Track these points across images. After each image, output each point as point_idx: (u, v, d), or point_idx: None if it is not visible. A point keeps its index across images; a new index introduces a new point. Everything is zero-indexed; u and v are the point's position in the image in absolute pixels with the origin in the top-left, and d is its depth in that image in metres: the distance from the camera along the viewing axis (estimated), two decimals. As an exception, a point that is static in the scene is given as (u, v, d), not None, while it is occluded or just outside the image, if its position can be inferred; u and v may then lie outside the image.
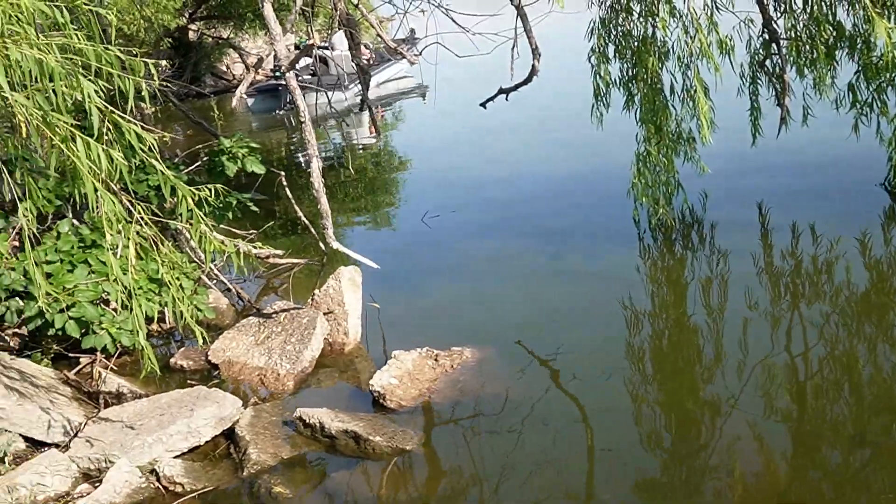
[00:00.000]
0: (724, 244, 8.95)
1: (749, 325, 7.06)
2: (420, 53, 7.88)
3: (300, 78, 10.04)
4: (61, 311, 6.94)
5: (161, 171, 4.99)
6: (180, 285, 7.12)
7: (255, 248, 7.03)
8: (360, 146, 17.60)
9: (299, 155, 17.34)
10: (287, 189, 9.72)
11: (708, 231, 9.38)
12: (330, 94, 12.70)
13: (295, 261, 9.85)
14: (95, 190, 4.82)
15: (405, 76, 24.72)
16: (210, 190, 5.30)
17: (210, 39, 27.70)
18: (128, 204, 5.27)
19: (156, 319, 7.31)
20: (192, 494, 5.63)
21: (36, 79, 4.62)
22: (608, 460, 5.56)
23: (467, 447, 5.79)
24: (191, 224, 5.33)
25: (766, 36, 8.83)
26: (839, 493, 4.96)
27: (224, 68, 30.20)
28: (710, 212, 9.72)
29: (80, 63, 4.82)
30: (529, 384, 6.55)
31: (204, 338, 5.79)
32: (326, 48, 19.48)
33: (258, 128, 20.74)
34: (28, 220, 5.48)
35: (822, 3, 8.15)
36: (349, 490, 5.54)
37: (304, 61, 18.62)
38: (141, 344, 5.83)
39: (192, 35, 27.20)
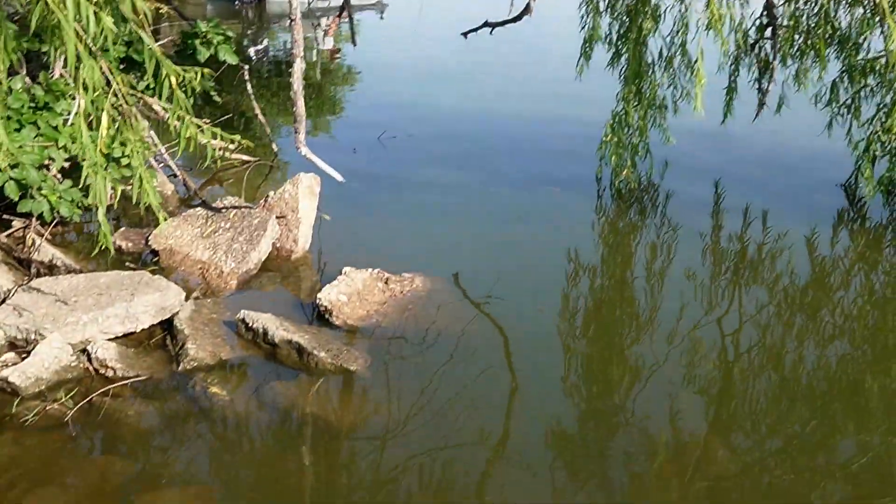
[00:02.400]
0: (676, 216, 8.93)
1: (685, 298, 7.05)
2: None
3: None
4: (2, 170, 6.61)
5: (149, 46, 4.70)
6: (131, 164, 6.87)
7: (224, 140, 6.70)
8: (315, 53, 17.16)
9: (251, 50, 16.86)
10: (249, 84, 9.41)
11: (663, 200, 9.36)
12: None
13: (246, 158, 9.62)
14: (77, 54, 4.51)
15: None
16: (196, 73, 5.02)
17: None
18: (107, 72, 4.96)
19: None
20: (125, 381, 5.44)
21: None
22: (528, 403, 5.57)
23: (410, 375, 5.70)
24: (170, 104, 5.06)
25: (765, 19, 8.76)
26: (740, 470, 5.01)
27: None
28: (668, 182, 9.72)
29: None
30: (472, 320, 6.48)
31: (165, 218, 5.56)
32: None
33: (212, 16, 20.04)
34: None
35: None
36: (286, 401, 5.41)
37: None
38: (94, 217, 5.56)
39: None
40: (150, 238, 7.22)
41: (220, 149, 8.93)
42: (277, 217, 7.37)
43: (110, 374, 5.52)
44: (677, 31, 8.44)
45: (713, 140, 10.62)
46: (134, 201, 5.76)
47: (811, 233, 8.50)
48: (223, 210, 7.48)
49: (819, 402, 5.71)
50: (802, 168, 10.35)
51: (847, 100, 8.93)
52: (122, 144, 6.51)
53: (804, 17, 8.58)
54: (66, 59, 4.62)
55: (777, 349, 6.37)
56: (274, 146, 10.15)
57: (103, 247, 5.39)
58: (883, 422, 5.48)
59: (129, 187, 7.04)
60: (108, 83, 4.93)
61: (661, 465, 4.96)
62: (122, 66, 7.31)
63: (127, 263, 6.99)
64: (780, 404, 5.65)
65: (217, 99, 8.52)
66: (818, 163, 10.25)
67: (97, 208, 5.28)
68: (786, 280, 7.53)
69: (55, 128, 6.92)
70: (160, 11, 9.08)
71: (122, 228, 7.54)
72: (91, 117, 5.90)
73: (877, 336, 6.67)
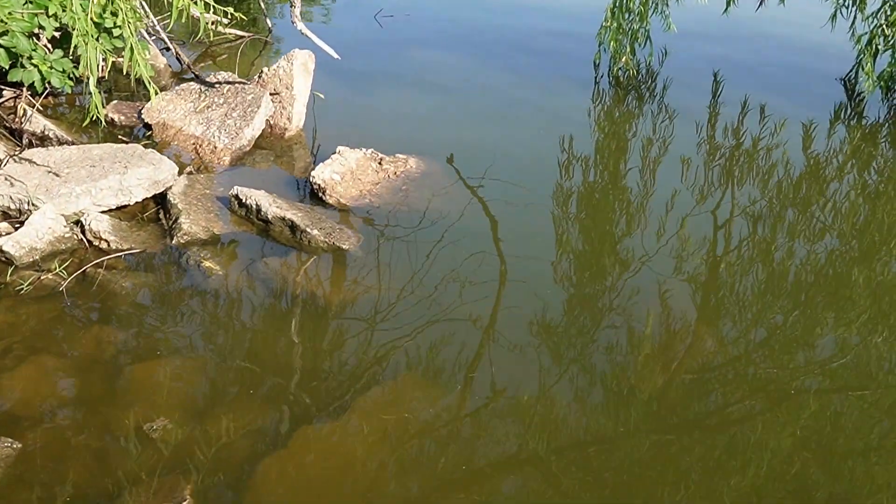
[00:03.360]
0: (674, 106, 8.87)
1: (678, 189, 7.04)
2: None
3: None
4: (-9, 36, 6.51)
5: None
6: (122, 34, 6.76)
7: (217, 13, 6.56)
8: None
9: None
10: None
11: (660, 89, 9.28)
12: None
13: (240, 33, 9.48)
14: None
15: None
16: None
17: None
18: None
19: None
20: (119, 254, 5.47)
21: None
22: (517, 290, 5.55)
23: (401, 256, 5.73)
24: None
25: None
26: (725, 360, 5.10)
27: None
28: (667, 70, 9.62)
29: None
30: (464, 203, 6.49)
31: (156, 92, 5.49)
32: None
33: None
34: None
35: None
36: (279, 277, 5.46)
37: None
38: (86, 89, 5.51)
39: None
40: (142, 112, 7.14)
41: (212, 22, 8.78)
42: (271, 94, 7.30)
43: (104, 246, 5.54)
44: None
45: (714, 29, 10.45)
46: (125, 72, 5.68)
47: (808, 126, 8.46)
48: (217, 85, 7.39)
49: (805, 296, 5.76)
50: (803, 60, 10.25)
51: (853, -10, 8.80)
52: (114, 14, 6.38)
53: None
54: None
55: (767, 242, 6.40)
56: (268, 21, 10.00)
57: (94, 117, 5.34)
58: (865, 317, 5.55)
59: (121, 59, 6.97)
60: (100, -51, 4.81)
61: (647, 352, 5.03)
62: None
63: (120, 137, 6.94)
64: (767, 297, 5.70)
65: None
66: (819, 56, 10.13)
67: (88, 79, 5.21)
68: (780, 173, 7.52)
69: (45, -5, 6.78)
70: None
71: (115, 101, 7.45)
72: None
73: (865, 231, 6.70)
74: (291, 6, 6.77)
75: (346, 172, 6.45)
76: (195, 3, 5.50)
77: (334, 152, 6.64)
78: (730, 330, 5.34)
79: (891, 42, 8.54)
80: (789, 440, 4.43)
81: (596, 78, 9.36)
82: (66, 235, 5.52)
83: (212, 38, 9.01)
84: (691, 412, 4.66)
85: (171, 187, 6.12)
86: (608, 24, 8.76)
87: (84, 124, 6.75)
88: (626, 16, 8.75)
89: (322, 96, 7.76)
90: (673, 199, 6.86)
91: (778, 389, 4.81)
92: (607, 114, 8.86)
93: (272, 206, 5.85)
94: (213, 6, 6.05)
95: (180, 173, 6.35)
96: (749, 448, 4.36)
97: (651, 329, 5.24)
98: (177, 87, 7.44)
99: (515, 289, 5.58)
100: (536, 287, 5.59)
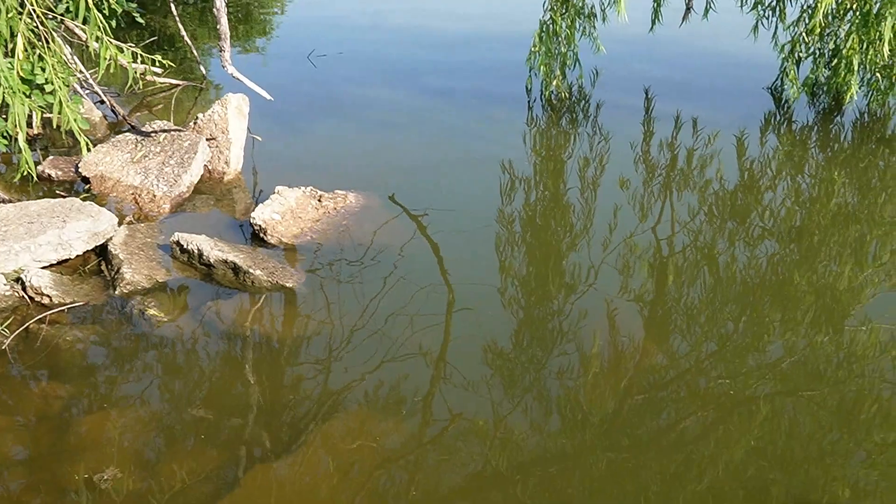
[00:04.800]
0: (608, 125, 9.03)
1: (619, 207, 7.15)
2: None
3: None
4: (-80, 99, 6.45)
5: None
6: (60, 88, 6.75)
7: (145, 62, 6.59)
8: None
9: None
10: (173, 5, 9.23)
11: (594, 110, 9.45)
12: None
13: (173, 81, 9.49)
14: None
15: None
16: (113, -9, 4.93)
17: None
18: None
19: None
20: (61, 308, 5.44)
21: None
22: (465, 319, 5.59)
23: (346, 290, 5.76)
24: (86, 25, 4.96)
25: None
26: (677, 374, 5.17)
27: None
28: (599, 91, 9.82)
29: None
30: (406, 235, 6.54)
31: (88, 147, 5.49)
32: None
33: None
34: None
35: None
36: (225, 320, 5.45)
37: None
38: (19, 146, 5.50)
39: None
40: (79, 165, 7.12)
41: (140, 74, 8.80)
42: (208, 139, 7.32)
43: (46, 301, 5.51)
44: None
45: (642, 48, 10.69)
46: (55, 125, 5.66)
47: (740, 136, 8.65)
48: (152, 134, 7.40)
49: (750, 304, 5.84)
50: (730, 72, 10.51)
51: (772, 2, 9.05)
52: (43, 70, 6.37)
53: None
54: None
55: (709, 253, 6.51)
56: (202, 68, 10.03)
57: (25, 173, 5.32)
58: (809, 320, 5.66)
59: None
60: (23, 4, 4.82)
61: (597, 373, 5.07)
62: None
63: (58, 192, 6.91)
64: (713, 308, 5.78)
65: (140, 21, 8.32)
66: (745, 67, 10.41)
67: (17, 136, 5.20)
68: (716, 184, 7.67)
69: (-26, 56, 6.75)
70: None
71: (52, 157, 7.42)
72: (10, 45, 5.79)
73: (803, 235, 6.84)
74: (221, 50, 6.82)
75: (285, 211, 6.48)
76: (122, 52, 5.52)
77: (273, 192, 6.67)
78: (678, 341, 5.42)
79: (811, 49, 8.79)
80: (743, 446, 4.50)
81: (529, 102, 9.51)
82: (7, 293, 5.49)
83: (145, 88, 9.02)
84: (645, 425, 4.70)
85: (111, 238, 6.11)
86: (536, 48, 8.92)
87: (15, 179, 6.71)
88: (554, 40, 8.92)
89: (259, 138, 7.80)
90: (615, 218, 6.96)
91: (729, 397, 4.88)
92: (543, 136, 8.98)
93: (214, 249, 5.85)
94: (141, 55, 6.06)
95: (120, 224, 6.34)
96: (705, 456, 4.42)
97: (601, 352, 5.28)
98: (113, 139, 7.44)
99: (464, 316, 5.61)
100: (485, 313, 5.63)
